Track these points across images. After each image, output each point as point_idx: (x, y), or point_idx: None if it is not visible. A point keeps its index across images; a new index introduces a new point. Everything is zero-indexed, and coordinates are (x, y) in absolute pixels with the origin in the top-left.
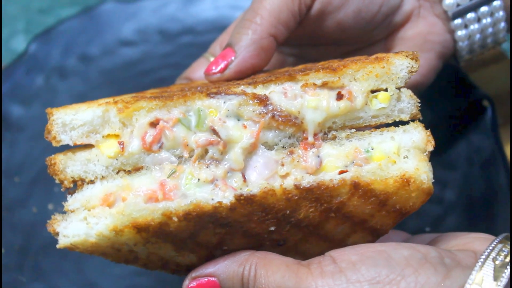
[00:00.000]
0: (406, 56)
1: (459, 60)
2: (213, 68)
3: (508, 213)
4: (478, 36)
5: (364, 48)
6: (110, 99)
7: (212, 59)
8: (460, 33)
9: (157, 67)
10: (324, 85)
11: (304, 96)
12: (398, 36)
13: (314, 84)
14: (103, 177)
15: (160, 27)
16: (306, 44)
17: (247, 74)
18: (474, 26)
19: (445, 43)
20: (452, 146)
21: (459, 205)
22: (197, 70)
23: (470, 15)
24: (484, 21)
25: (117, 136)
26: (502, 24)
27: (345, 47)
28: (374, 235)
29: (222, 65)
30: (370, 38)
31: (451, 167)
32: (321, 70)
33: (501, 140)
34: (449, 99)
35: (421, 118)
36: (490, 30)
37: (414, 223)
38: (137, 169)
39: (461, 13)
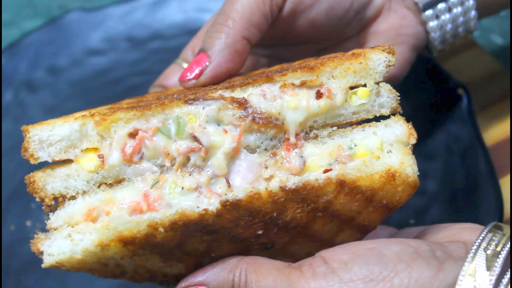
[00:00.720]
0: (383, 50)
1: (432, 51)
2: (188, 74)
3: (490, 200)
4: (449, 26)
5: (337, 45)
6: (86, 112)
7: (184, 65)
8: (432, 24)
9: (127, 74)
10: (303, 84)
11: (284, 96)
12: (371, 30)
13: (293, 84)
14: (84, 192)
15: (128, 34)
16: (279, 44)
17: (223, 78)
18: (445, 16)
19: (417, 34)
20: (430, 137)
21: (442, 195)
22: (170, 77)
23: (441, 6)
24: (455, 10)
25: (96, 149)
26: (473, 13)
27: (318, 45)
28: (362, 232)
29: (197, 71)
30: (343, 34)
31: (430, 158)
32: (298, 70)
33: (479, 127)
34: (424, 90)
35: (401, 112)
36: (461, 19)
37: (398, 216)
38: (119, 181)
39: (431, 4)
